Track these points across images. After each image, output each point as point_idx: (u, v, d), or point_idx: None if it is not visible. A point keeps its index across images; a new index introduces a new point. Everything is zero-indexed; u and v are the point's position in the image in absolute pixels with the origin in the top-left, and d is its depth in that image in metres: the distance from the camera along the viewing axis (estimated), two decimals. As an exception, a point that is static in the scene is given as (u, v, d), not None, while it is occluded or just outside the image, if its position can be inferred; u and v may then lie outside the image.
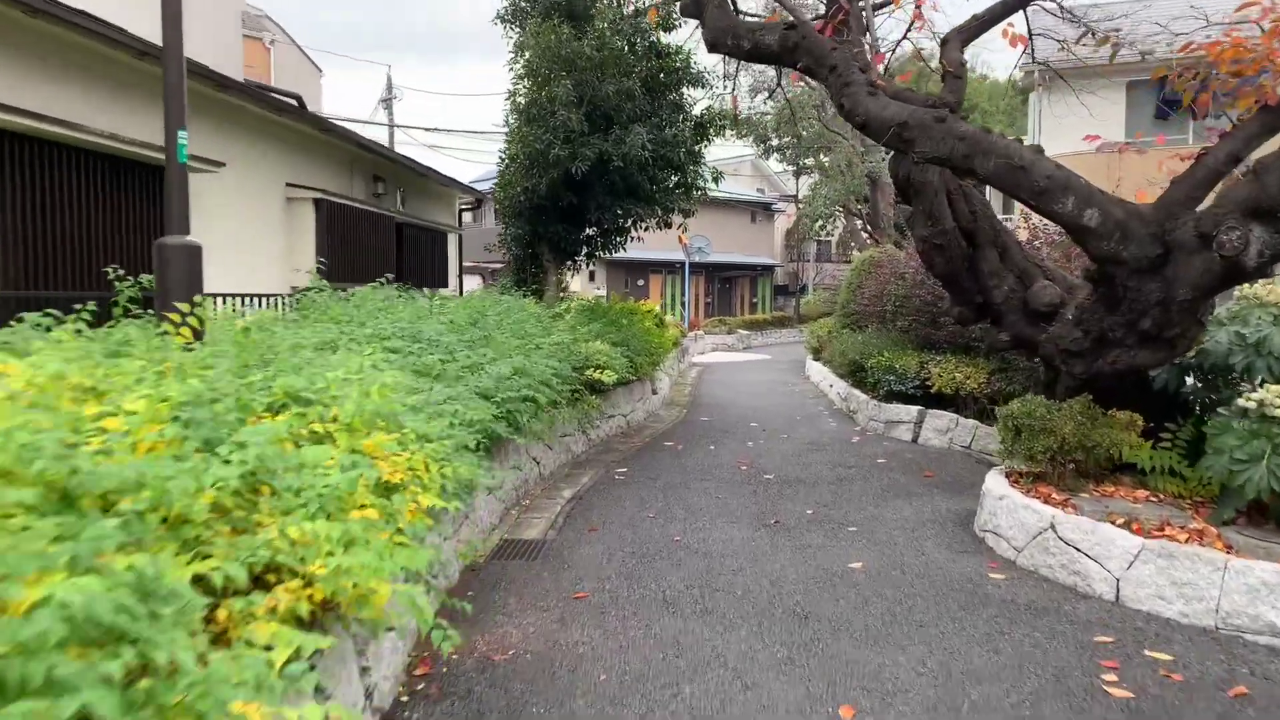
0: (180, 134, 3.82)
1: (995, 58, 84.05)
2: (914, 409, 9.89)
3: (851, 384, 12.17)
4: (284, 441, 2.84)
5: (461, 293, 15.85)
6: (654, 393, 12.70)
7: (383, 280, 7.22)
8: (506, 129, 13.02)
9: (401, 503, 2.93)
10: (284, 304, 7.90)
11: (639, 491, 7.25)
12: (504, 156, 12.97)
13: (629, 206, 12.67)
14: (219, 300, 7.03)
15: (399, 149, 18.19)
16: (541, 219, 12.83)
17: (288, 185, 9.79)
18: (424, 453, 3.31)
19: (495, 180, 13.64)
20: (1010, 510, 5.52)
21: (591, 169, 11.42)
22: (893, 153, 6.70)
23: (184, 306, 3.47)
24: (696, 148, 13.11)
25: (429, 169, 14.49)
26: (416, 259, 14.04)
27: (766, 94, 22.21)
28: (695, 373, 19.44)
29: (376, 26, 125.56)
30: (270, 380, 3.12)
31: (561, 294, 14.21)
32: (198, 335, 3.42)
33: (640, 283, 32.13)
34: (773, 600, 4.65)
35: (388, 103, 29.55)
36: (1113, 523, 4.96)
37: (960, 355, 9.85)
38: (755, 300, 39.05)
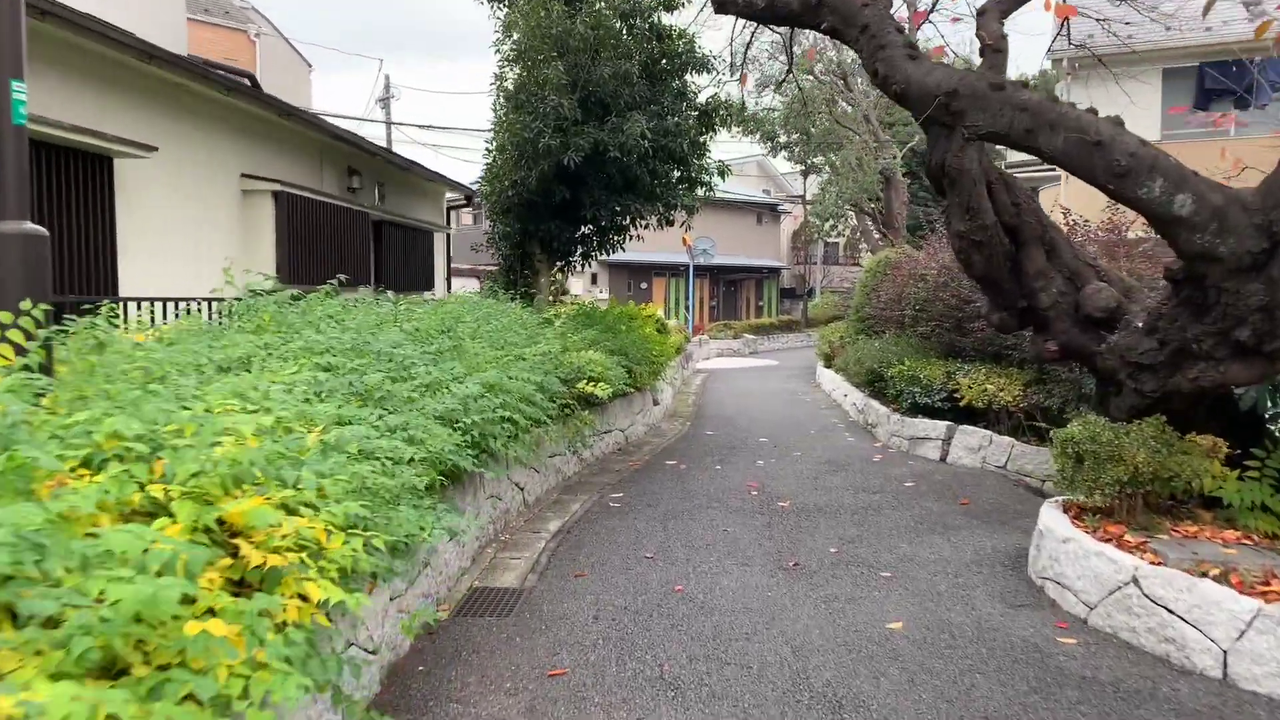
0: (14, 85, 2.91)
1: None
2: (942, 424, 8.94)
3: (869, 395, 11.23)
4: (93, 520, 1.93)
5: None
6: (655, 404, 11.77)
7: (338, 280, 6.24)
8: (494, 118, 12.02)
9: (272, 604, 2.01)
10: (227, 310, 6.93)
11: (635, 523, 6.34)
12: (491, 147, 11.98)
13: (627, 202, 11.67)
14: (140, 306, 6.07)
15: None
16: (532, 216, 11.84)
17: (243, 176, 8.79)
18: (323, 518, 2.39)
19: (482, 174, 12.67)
20: (1078, 557, 4.59)
21: (586, 160, 10.46)
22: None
23: (9, 317, 2.56)
24: (701, 139, 12.12)
25: (412, 162, 13.51)
26: (397, 260, 13.04)
27: (774, 86, 21.24)
28: (700, 380, 18.57)
29: (373, 24, 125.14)
30: (98, 421, 2.21)
31: (558, 298, 13.26)
32: (21, 352, 2.51)
33: (643, 285, 31.26)
34: (797, 679, 3.73)
35: (384, 101, 28.68)
36: (1207, 574, 4.06)
37: (990, 364, 8.92)
38: (761, 304, 38.10)
